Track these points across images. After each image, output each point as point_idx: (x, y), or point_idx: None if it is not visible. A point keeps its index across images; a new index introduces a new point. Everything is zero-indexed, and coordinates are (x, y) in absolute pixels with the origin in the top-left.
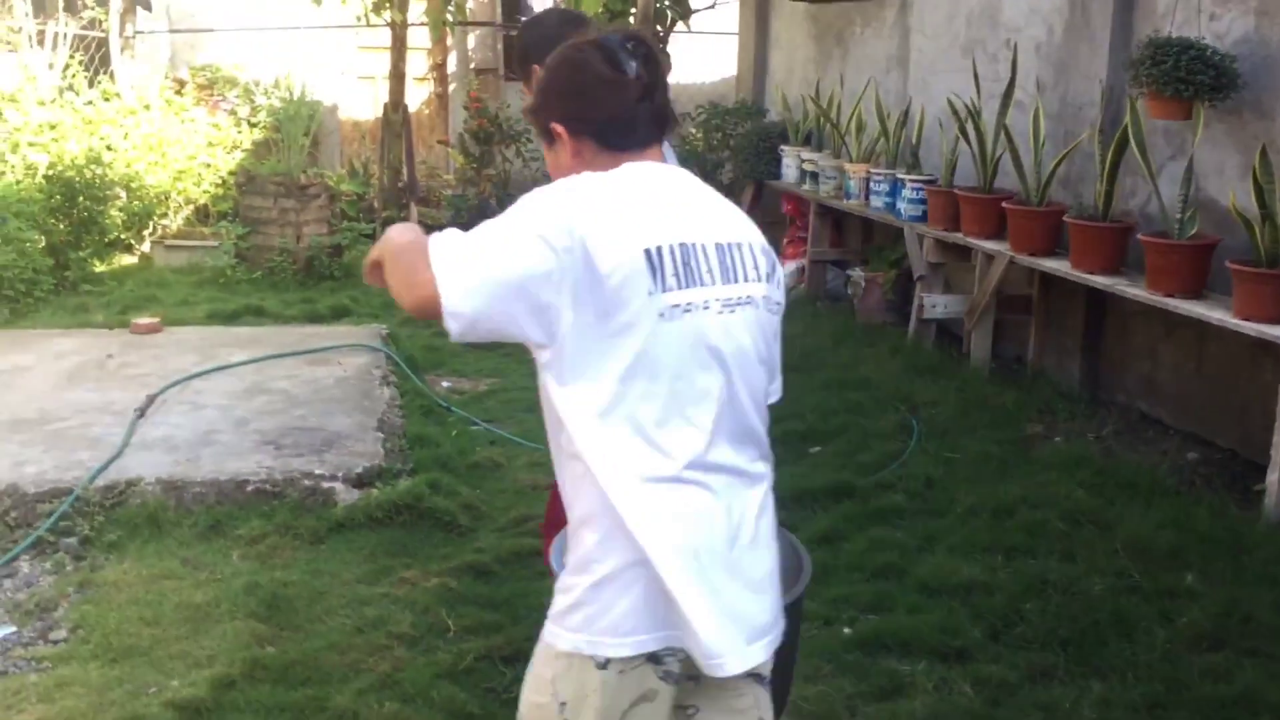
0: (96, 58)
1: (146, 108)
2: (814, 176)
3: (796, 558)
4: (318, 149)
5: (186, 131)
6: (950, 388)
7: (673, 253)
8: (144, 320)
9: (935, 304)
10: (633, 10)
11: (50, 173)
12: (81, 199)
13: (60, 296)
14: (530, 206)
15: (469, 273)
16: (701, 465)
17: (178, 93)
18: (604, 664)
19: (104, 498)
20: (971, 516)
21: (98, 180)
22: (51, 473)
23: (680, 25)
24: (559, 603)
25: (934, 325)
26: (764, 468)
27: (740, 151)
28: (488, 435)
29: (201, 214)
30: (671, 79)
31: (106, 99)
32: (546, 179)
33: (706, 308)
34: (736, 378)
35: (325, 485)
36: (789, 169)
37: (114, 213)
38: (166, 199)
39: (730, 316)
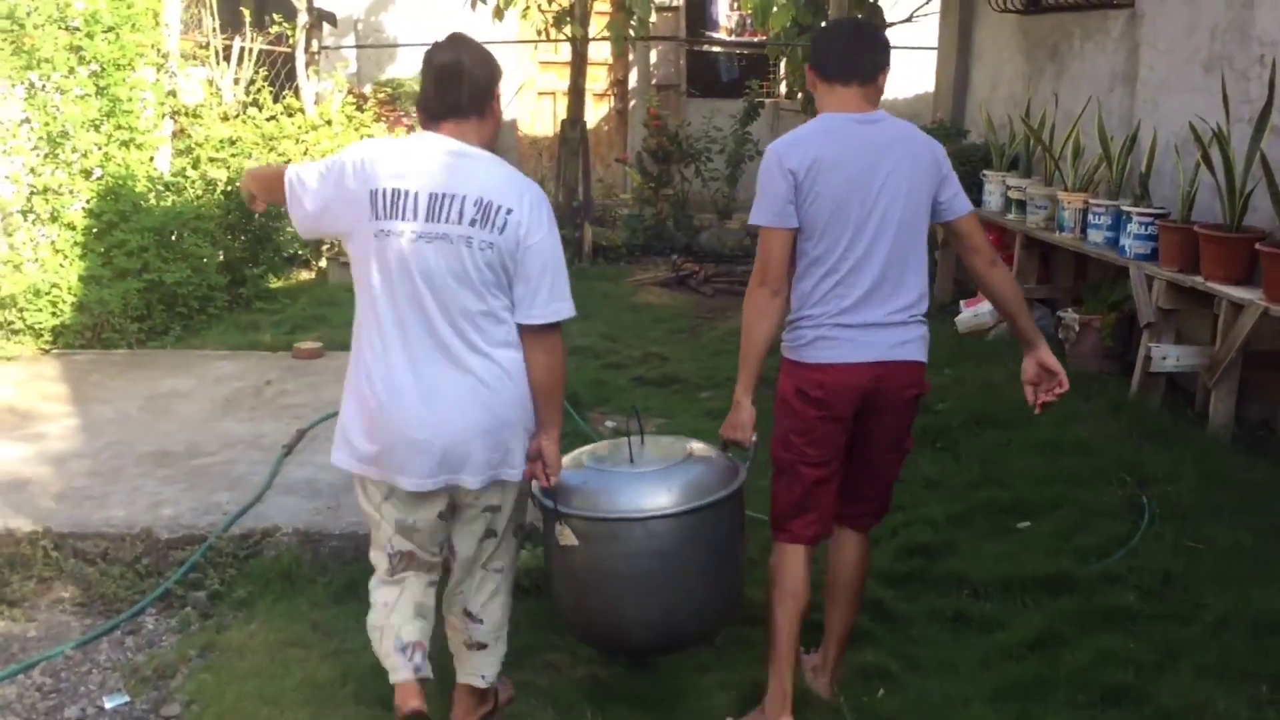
0: (282, 73)
1: (328, 123)
2: (1021, 205)
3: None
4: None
5: None
6: (1186, 457)
7: (387, 194)
8: (306, 344)
9: (1166, 355)
10: (823, 25)
11: (229, 189)
12: (258, 215)
13: (234, 313)
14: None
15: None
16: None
17: (358, 108)
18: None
19: (238, 547)
20: (1224, 628)
21: None
22: (188, 516)
23: None
24: None
25: (1163, 380)
26: (473, 358)
27: None
28: None
29: None
30: None
31: (290, 114)
32: (725, 198)
33: (401, 236)
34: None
35: None
36: (992, 196)
37: (289, 229)
38: None
39: (424, 246)
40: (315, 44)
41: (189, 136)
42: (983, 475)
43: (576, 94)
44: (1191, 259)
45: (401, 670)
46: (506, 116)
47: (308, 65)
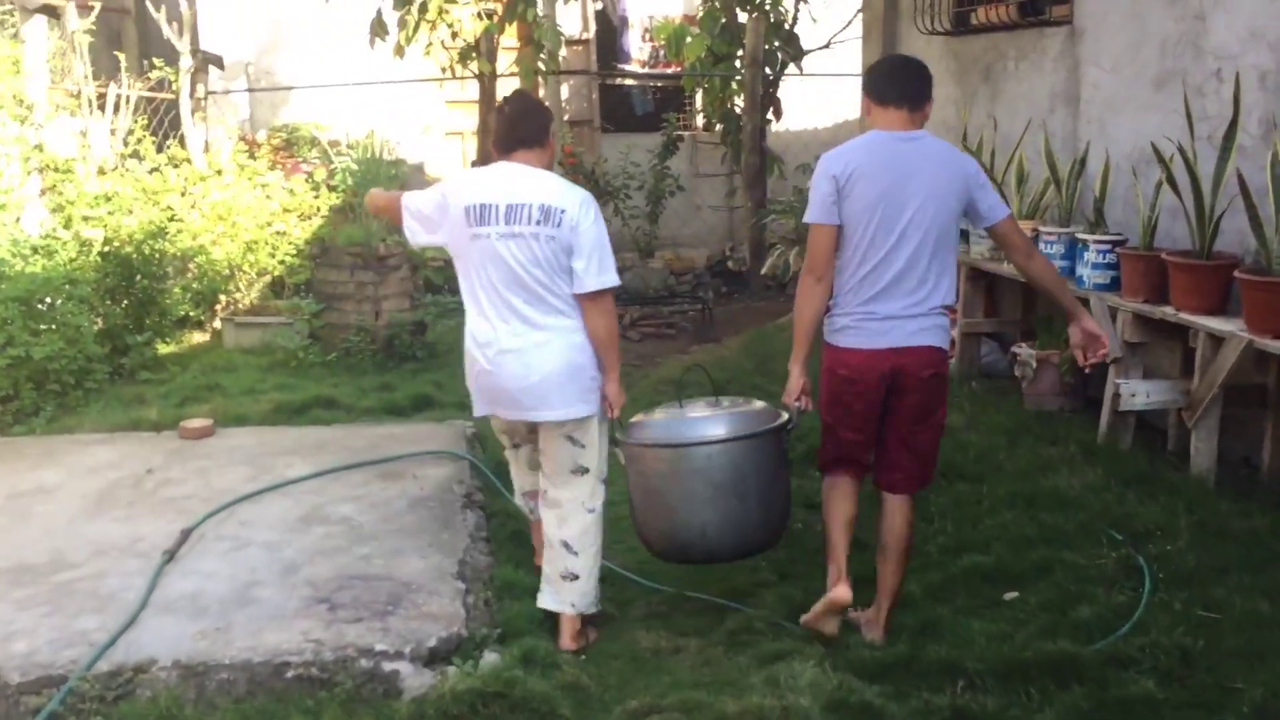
0: (165, 121)
1: (219, 173)
2: (964, 235)
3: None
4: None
5: (259, 198)
6: (1175, 507)
7: (475, 209)
8: (194, 423)
9: (1135, 393)
10: (739, 53)
11: (106, 249)
12: (140, 277)
13: (116, 386)
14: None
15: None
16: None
17: (250, 155)
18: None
19: (105, 688)
20: (1263, 717)
21: (157, 256)
22: (45, 650)
23: (791, 68)
24: None
25: (1133, 418)
26: (548, 319)
27: None
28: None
29: (278, 286)
30: (780, 126)
31: (175, 165)
32: (646, 235)
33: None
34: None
35: (387, 667)
36: None
37: (178, 291)
38: (235, 274)
39: (507, 243)
40: (201, 89)
41: (60, 193)
42: (957, 538)
43: (485, 133)
44: (1158, 288)
45: (530, 509)
46: (413, 159)
47: (194, 112)
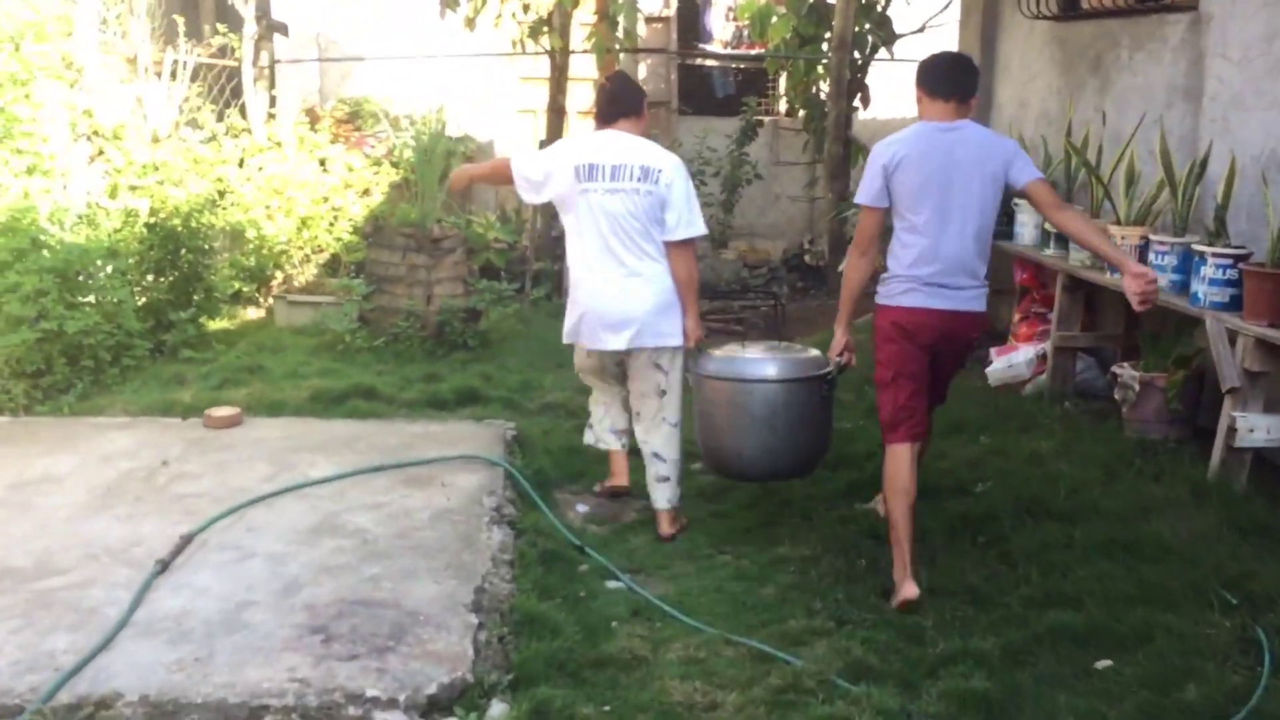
0: (228, 90)
1: (278, 145)
2: (1061, 240)
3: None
4: (470, 191)
5: (317, 172)
6: None
7: (583, 168)
8: (221, 411)
9: (1254, 427)
10: (827, 35)
11: (152, 221)
12: (185, 251)
13: (156, 364)
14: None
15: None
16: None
17: (312, 127)
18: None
19: None
20: None
21: (205, 230)
22: (6, 675)
23: (883, 52)
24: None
25: (1249, 456)
26: (643, 264)
27: None
28: (629, 599)
29: (335, 264)
30: (868, 114)
31: (234, 135)
32: (721, 225)
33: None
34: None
35: (378, 717)
36: (1025, 228)
37: (227, 266)
38: (289, 251)
39: (611, 196)
40: (266, 57)
41: (109, 160)
42: (1044, 588)
43: (556, 112)
44: None
45: (615, 443)
46: (483, 138)
47: (256, 80)
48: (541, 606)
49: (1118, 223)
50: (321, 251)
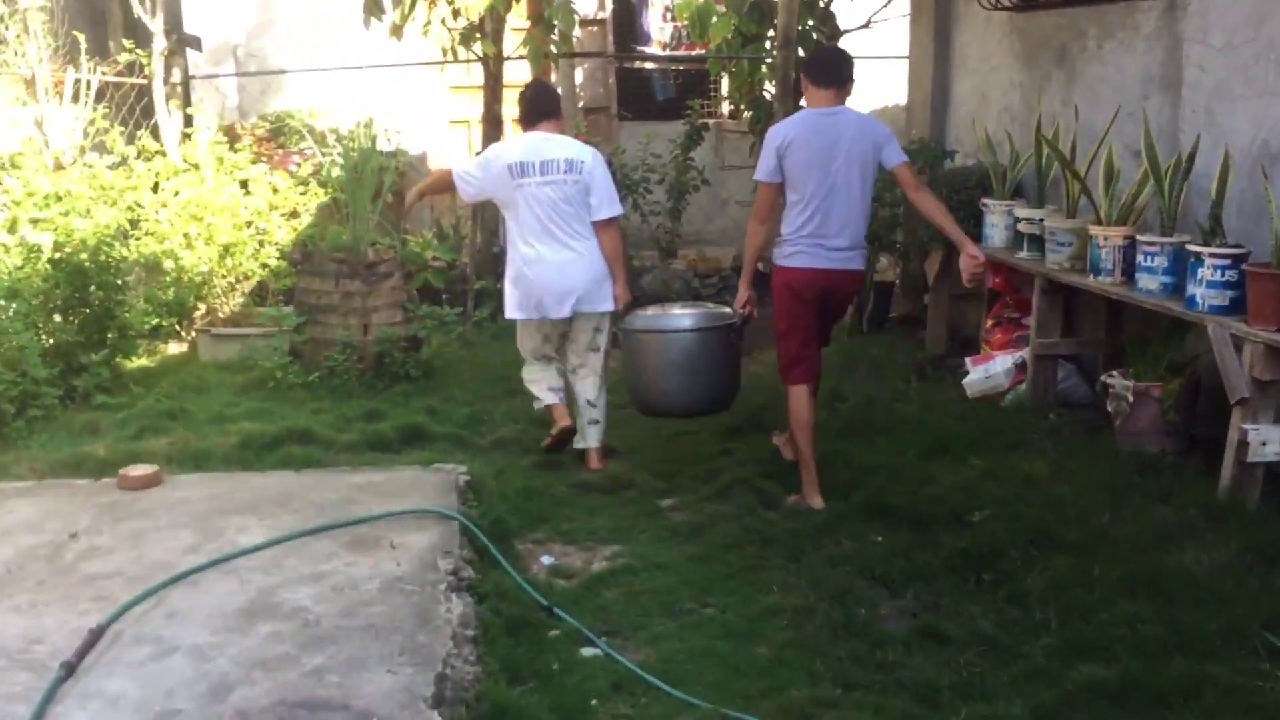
0: (138, 109)
1: (195, 167)
2: (1036, 241)
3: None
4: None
5: (240, 195)
6: None
7: (515, 165)
8: (137, 470)
9: (1266, 440)
10: (770, 33)
11: (57, 256)
12: (94, 288)
13: (67, 412)
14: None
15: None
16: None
17: (231, 147)
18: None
19: None
20: None
21: (115, 263)
22: None
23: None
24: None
25: (1261, 471)
26: (577, 242)
27: None
28: (607, 668)
29: (262, 292)
30: None
31: (146, 158)
32: (668, 234)
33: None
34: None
35: None
36: (994, 229)
37: (142, 301)
38: (208, 281)
39: (544, 188)
40: (178, 73)
41: (8, 191)
42: (1066, 636)
43: (492, 122)
44: None
45: (551, 397)
46: (414, 151)
47: (168, 99)
48: (512, 693)
49: (1098, 222)
50: (248, 279)
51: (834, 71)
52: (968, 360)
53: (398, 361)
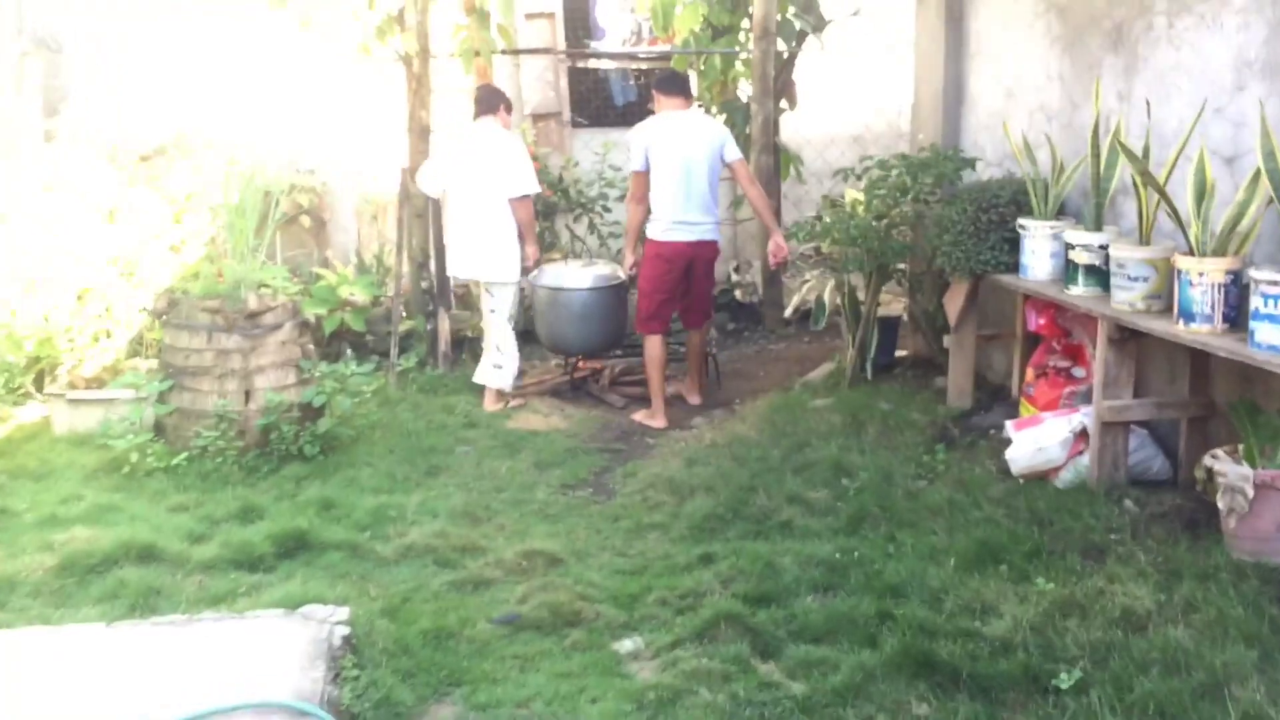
0: None
1: (48, 191)
2: (1096, 274)
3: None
4: (325, 235)
5: (107, 224)
6: None
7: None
8: None
9: None
10: (744, 24)
11: None
12: None
13: None
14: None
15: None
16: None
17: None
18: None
19: None
20: None
21: None
22: None
23: (811, 42)
24: None
25: None
26: (496, 210)
27: (942, 227)
28: None
29: (138, 344)
30: (793, 120)
31: None
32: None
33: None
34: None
35: None
36: (1036, 258)
37: None
38: (57, 335)
39: (480, 168)
40: (32, 82)
41: None
42: None
43: (418, 132)
44: None
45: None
46: (334, 169)
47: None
48: None
49: (1190, 252)
50: (109, 332)
51: (683, 87)
52: (1008, 425)
53: (287, 437)
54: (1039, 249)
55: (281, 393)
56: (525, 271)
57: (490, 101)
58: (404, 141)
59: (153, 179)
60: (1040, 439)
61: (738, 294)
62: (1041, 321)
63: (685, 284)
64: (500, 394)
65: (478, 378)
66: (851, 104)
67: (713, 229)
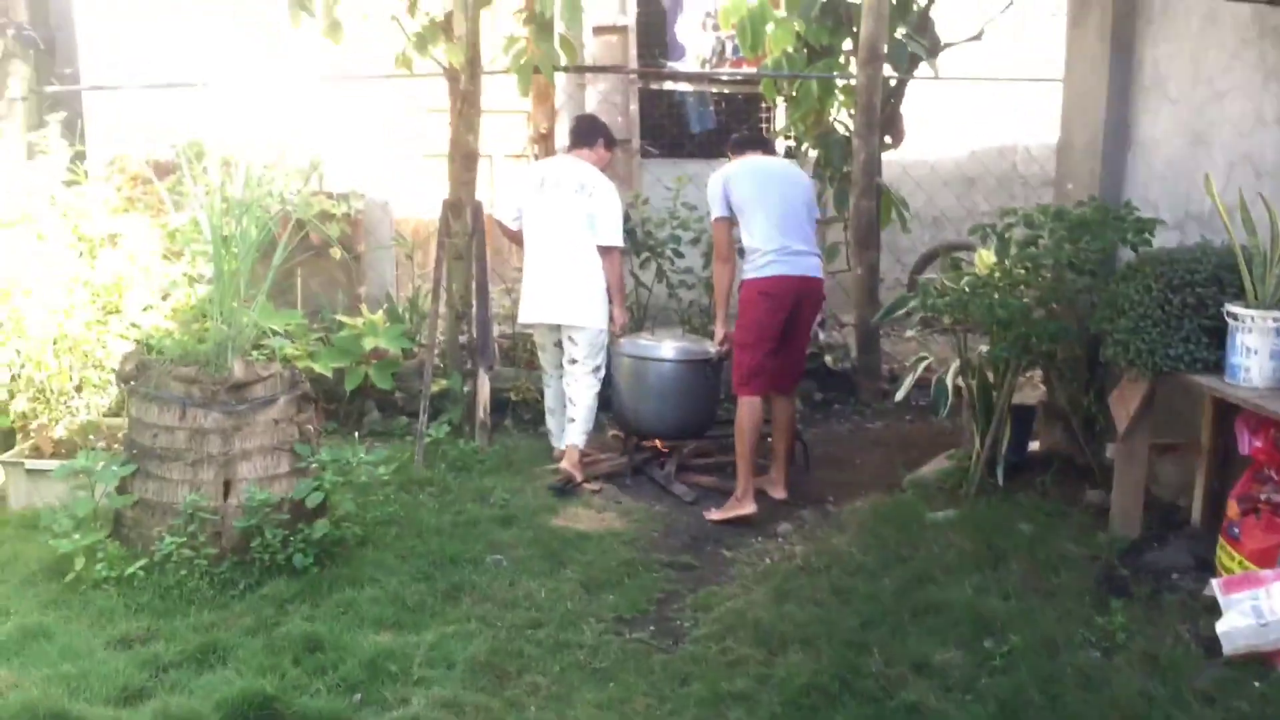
0: None
1: (28, 218)
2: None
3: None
4: (359, 270)
5: (82, 258)
6: None
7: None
8: None
9: None
10: (844, 46)
11: None
12: None
13: None
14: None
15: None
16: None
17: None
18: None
19: None
20: None
21: None
22: None
23: (924, 68)
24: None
25: None
26: (581, 252)
27: (1116, 309)
28: None
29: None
30: (896, 155)
31: None
32: (704, 312)
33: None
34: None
35: None
36: (1252, 357)
37: None
38: (17, 393)
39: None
40: (17, 85)
41: None
42: None
43: (463, 159)
44: None
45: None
46: (379, 198)
47: (1, 119)
48: None
49: None
50: (79, 389)
51: (759, 143)
52: (1214, 584)
53: (273, 545)
54: (1257, 346)
55: (269, 486)
56: (611, 337)
57: (587, 135)
58: (446, 169)
59: (152, 205)
60: (1263, 614)
61: (828, 359)
62: (1258, 444)
63: (783, 334)
64: (583, 457)
65: (567, 439)
66: (966, 141)
67: (818, 265)
